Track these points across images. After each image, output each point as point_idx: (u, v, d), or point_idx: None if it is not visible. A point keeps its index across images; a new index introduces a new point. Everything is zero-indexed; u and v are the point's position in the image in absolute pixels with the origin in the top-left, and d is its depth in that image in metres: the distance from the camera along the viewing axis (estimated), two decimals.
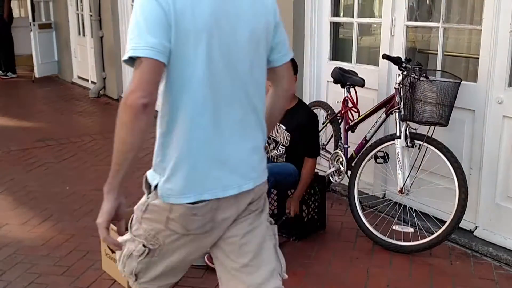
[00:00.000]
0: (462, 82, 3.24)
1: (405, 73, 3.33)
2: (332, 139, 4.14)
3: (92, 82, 8.64)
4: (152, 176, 1.69)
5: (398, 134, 3.36)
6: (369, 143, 3.64)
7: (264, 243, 1.82)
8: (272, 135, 3.49)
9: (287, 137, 3.40)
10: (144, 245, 1.75)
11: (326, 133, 4.32)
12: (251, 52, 1.67)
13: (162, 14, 1.52)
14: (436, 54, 3.62)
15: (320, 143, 4.28)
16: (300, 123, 3.36)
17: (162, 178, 1.65)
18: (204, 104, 1.61)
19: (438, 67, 3.59)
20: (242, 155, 1.71)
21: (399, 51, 3.78)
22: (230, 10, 1.63)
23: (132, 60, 1.53)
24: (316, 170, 3.57)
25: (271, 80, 1.86)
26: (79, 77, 9.17)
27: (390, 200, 3.83)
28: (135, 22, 1.54)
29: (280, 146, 3.44)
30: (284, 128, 3.41)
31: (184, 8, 1.54)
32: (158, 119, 1.65)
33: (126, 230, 1.74)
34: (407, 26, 3.80)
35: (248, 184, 1.72)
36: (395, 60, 3.44)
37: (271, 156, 3.50)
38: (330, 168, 4.03)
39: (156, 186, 1.66)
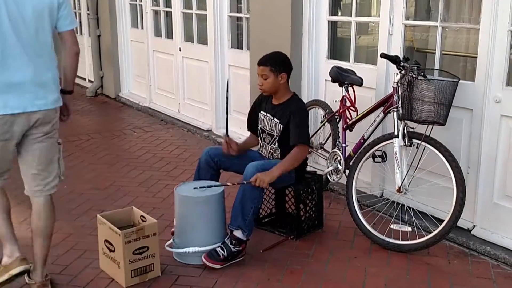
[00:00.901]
0: (460, 81, 3.24)
1: (403, 72, 3.33)
2: (330, 138, 4.13)
3: (89, 81, 8.61)
4: None
5: (396, 133, 3.36)
6: (367, 142, 3.64)
7: (53, 157, 2.76)
8: (267, 129, 3.48)
9: (280, 128, 3.40)
10: None
11: (324, 132, 4.32)
12: (36, 22, 2.57)
13: None
14: (434, 53, 3.62)
15: (318, 142, 4.29)
16: (290, 113, 3.37)
17: None
18: None
19: (436, 66, 3.59)
20: (30, 87, 2.56)
21: (397, 50, 3.78)
22: None
23: None
24: (314, 169, 3.57)
25: (61, 42, 2.76)
26: (77, 76, 9.11)
27: (388, 199, 3.83)
28: None
29: (276, 139, 3.45)
30: (278, 121, 3.41)
31: None
32: None
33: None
34: (405, 25, 3.80)
35: (32, 107, 2.57)
36: (393, 59, 3.43)
37: (268, 151, 3.50)
38: (328, 167, 4.03)
39: None
